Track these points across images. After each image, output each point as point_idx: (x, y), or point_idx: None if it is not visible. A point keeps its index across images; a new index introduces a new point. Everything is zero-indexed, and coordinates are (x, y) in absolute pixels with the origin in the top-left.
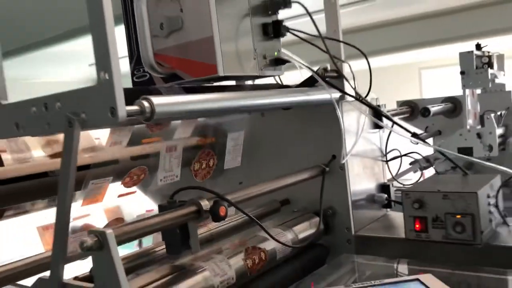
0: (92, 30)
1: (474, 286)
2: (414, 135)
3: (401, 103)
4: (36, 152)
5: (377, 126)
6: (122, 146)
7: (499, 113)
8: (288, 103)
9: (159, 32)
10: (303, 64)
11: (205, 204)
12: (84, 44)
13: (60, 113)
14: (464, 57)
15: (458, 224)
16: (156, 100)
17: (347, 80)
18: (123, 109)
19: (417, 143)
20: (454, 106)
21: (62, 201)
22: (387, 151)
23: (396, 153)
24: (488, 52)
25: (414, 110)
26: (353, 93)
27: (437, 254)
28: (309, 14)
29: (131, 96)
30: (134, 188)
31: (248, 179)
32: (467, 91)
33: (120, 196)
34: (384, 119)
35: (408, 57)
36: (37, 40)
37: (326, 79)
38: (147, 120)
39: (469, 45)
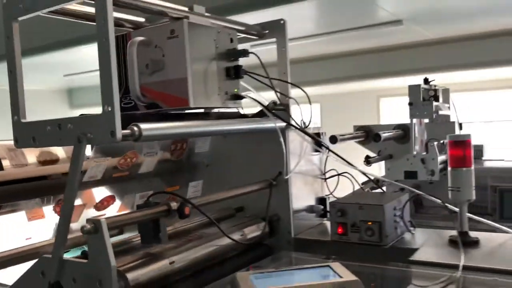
0: (101, 77)
1: (378, 276)
2: (347, 162)
3: (357, 128)
4: (30, 159)
5: (317, 150)
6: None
7: (442, 141)
8: (243, 130)
9: (145, 71)
10: (256, 100)
11: (174, 204)
12: (60, 57)
13: (71, 132)
14: (412, 89)
15: (369, 229)
16: (143, 126)
17: (289, 114)
18: (120, 132)
19: (370, 165)
20: (404, 133)
21: (68, 199)
22: (326, 170)
23: (333, 173)
24: (435, 86)
25: (368, 135)
26: (294, 123)
27: (355, 252)
28: (262, 64)
29: (123, 122)
30: None
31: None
32: (414, 120)
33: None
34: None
35: (367, 85)
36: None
37: (274, 111)
38: (136, 140)
39: (421, 78)
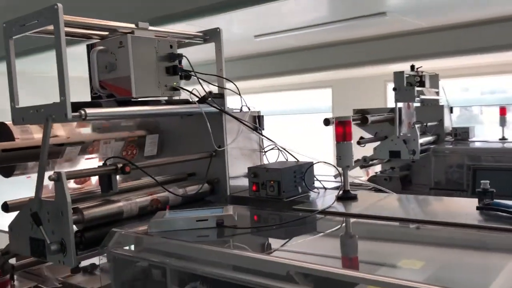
0: (58, 76)
1: (277, 219)
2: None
3: (356, 111)
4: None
5: (256, 129)
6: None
7: (425, 124)
8: (168, 112)
9: (104, 70)
10: (188, 91)
11: (120, 165)
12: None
13: (43, 114)
14: (397, 76)
15: (271, 187)
16: (88, 110)
17: (224, 101)
18: (70, 114)
19: (364, 145)
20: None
21: (42, 159)
22: (265, 146)
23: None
24: (422, 72)
25: (366, 118)
26: (227, 109)
27: (264, 204)
28: (192, 68)
29: (81, 106)
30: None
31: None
32: (400, 104)
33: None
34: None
35: (375, 70)
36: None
37: (210, 98)
38: (83, 120)
39: (424, 64)
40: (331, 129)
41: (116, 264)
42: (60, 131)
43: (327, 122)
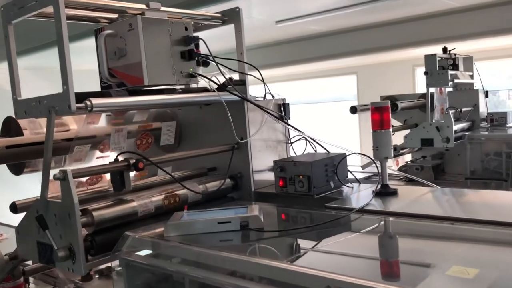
0: (60, 64)
1: (308, 220)
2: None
3: (384, 98)
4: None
5: (282, 118)
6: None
7: (459, 109)
8: (200, 101)
9: (113, 57)
10: (206, 77)
11: (132, 161)
12: None
13: (45, 106)
14: (429, 59)
15: (300, 182)
16: (94, 100)
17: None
18: (74, 105)
19: (393, 134)
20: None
21: (46, 155)
22: (292, 137)
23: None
24: (455, 54)
25: (396, 104)
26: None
27: (292, 201)
28: (208, 49)
29: (88, 96)
30: (108, 153)
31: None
32: (432, 89)
33: (98, 158)
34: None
35: (402, 55)
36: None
37: (230, 86)
38: (89, 111)
39: (456, 46)
40: (356, 118)
41: (129, 270)
42: (72, 124)
43: (354, 110)
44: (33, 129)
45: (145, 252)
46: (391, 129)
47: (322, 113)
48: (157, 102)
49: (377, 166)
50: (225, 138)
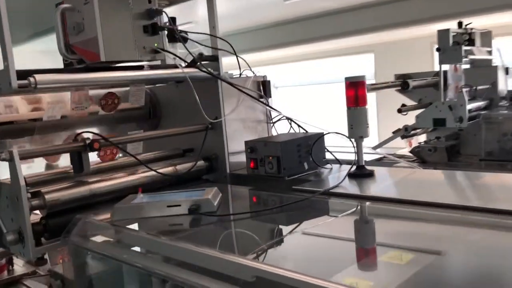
0: (0, 41)
1: (267, 204)
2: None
3: (397, 77)
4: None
5: (261, 97)
6: None
7: (474, 87)
8: (162, 78)
9: (72, 32)
10: (173, 54)
11: (88, 140)
12: None
13: None
14: (441, 34)
15: (270, 163)
16: (38, 77)
17: (219, 64)
18: (15, 83)
19: (406, 114)
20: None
21: None
22: (274, 116)
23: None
24: (471, 29)
25: (407, 83)
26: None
27: (264, 183)
28: (171, 23)
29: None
30: None
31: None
32: (446, 66)
33: None
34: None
35: (420, 32)
36: None
37: (200, 62)
38: (34, 89)
39: (475, 21)
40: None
41: (78, 257)
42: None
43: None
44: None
45: (96, 237)
46: (367, 106)
47: (337, 93)
48: (112, 79)
49: (353, 146)
50: (203, 117)
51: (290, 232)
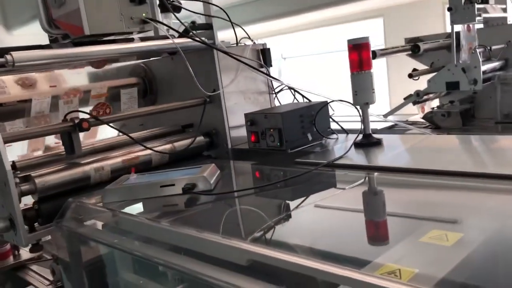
0: None
1: (268, 179)
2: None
3: (408, 40)
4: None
5: (262, 66)
6: None
7: (489, 47)
8: (151, 50)
9: (54, 5)
10: (163, 23)
11: (78, 121)
12: None
13: None
14: None
15: (271, 136)
16: (16, 54)
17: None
18: None
19: (418, 78)
20: (456, 41)
21: None
22: (276, 86)
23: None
24: None
25: (417, 46)
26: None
27: (266, 157)
28: None
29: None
30: None
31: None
32: (458, 26)
33: None
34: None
35: None
36: None
37: (194, 31)
38: (12, 67)
39: None
40: (384, 65)
41: (71, 242)
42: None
43: (373, 55)
44: None
45: (89, 222)
46: (372, 70)
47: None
48: (97, 54)
49: (359, 112)
50: (201, 91)
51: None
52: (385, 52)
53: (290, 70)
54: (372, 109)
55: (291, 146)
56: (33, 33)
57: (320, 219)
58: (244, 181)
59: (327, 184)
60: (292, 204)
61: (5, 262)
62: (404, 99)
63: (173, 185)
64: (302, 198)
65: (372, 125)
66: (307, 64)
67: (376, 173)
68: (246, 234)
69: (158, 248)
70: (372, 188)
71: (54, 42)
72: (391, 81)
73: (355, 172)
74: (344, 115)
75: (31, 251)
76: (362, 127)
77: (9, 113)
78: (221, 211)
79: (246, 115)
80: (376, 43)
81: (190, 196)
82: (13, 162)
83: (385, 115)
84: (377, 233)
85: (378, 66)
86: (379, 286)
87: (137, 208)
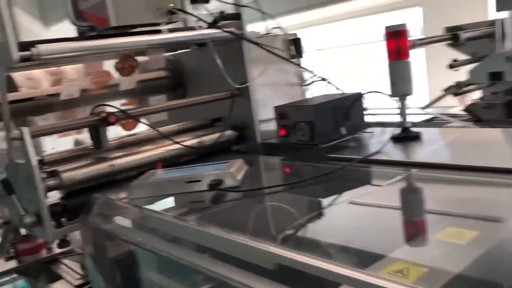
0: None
1: (296, 176)
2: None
3: (448, 29)
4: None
5: (293, 57)
6: None
7: None
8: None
9: None
10: (191, 14)
11: (105, 115)
12: None
13: None
14: None
15: (301, 130)
16: (42, 46)
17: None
18: (16, 54)
19: (458, 69)
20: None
21: (4, 112)
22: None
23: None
24: None
25: (457, 35)
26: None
27: (297, 153)
28: None
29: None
30: None
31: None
32: (506, 13)
33: None
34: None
35: None
36: None
37: (222, 22)
38: (38, 59)
39: None
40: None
41: (97, 238)
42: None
43: (410, 44)
44: (31, 87)
45: (114, 218)
46: (409, 59)
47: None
48: (123, 46)
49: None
50: (225, 83)
51: (328, 205)
52: (424, 42)
53: (324, 62)
54: (410, 102)
55: (323, 141)
56: (70, 28)
57: (353, 217)
58: (273, 177)
59: (361, 181)
60: (324, 202)
61: (38, 255)
62: (444, 90)
63: (199, 181)
64: (334, 197)
65: (409, 118)
66: (342, 56)
67: (414, 170)
68: (274, 235)
69: (182, 247)
70: (410, 185)
71: (82, 35)
72: (430, 72)
73: (392, 169)
74: (380, 107)
75: (58, 246)
76: (400, 120)
77: (39, 107)
78: (248, 209)
79: (275, 108)
80: (415, 34)
81: (216, 192)
82: (42, 156)
83: (424, 107)
84: (412, 232)
85: (417, 57)
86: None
87: (162, 204)
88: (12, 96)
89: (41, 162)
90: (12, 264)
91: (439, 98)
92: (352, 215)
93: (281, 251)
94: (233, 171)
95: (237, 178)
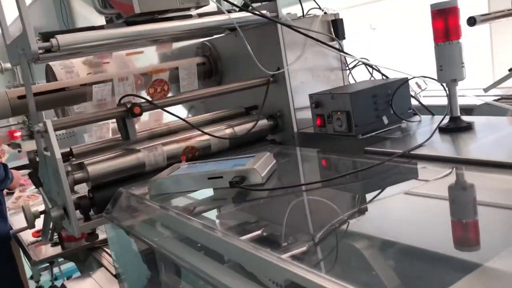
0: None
1: (329, 172)
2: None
3: None
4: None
5: (333, 40)
6: None
7: None
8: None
9: None
10: None
11: (130, 106)
12: None
13: (16, 49)
14: None
15: (338, 120)
16: (61, 37)
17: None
18: (35, 46)
19: None
20: None
21: (30, 105)
22: (350, 62)
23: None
24: None
25: None
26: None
27: (332, 143)
28: None
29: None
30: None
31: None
32: None
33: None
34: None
35: None
36: None
37: (253, 4)
38: (57, 50)
39: None
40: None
41: (117, 234)
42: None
43: (472, 21)
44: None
45: (135, 214)
46: (461, 40)
47: None
48: (148, 33)
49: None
50: (266, 68)
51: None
52: (488, 18)
53: (381, 43)
54: (471, 82)
55: (362, 131)
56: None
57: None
58: (303, 173)
59: (396, 180)
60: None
61: (81, 242)
62: (509, 70)
63: (221, 177)
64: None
65: (468, 101)
66: (401, 36)
67: (463, 167)
68: (285, 248)
69: (194, 253)
70: (455, 188)
71: (109, 23)
72: (495, 50)
73: (436, 166)
74: (432, 95)
75: (86, 240)
76: (448, 109)
77: (73, 97)
78: (269, 210)
79: (310, 96)
80: (478, 9)
81: (239, 190)
82: (70, 148)
83: (486, 89)
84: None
85: (480, 35)
86: None
87: (182, 201)
88: (46, 86)
89: (70, 154)
90: (58, 249)
91: (504, 78)
92: (382, 223)
93: (290, 266)
94: (257, 167)
95: (261, 175)
